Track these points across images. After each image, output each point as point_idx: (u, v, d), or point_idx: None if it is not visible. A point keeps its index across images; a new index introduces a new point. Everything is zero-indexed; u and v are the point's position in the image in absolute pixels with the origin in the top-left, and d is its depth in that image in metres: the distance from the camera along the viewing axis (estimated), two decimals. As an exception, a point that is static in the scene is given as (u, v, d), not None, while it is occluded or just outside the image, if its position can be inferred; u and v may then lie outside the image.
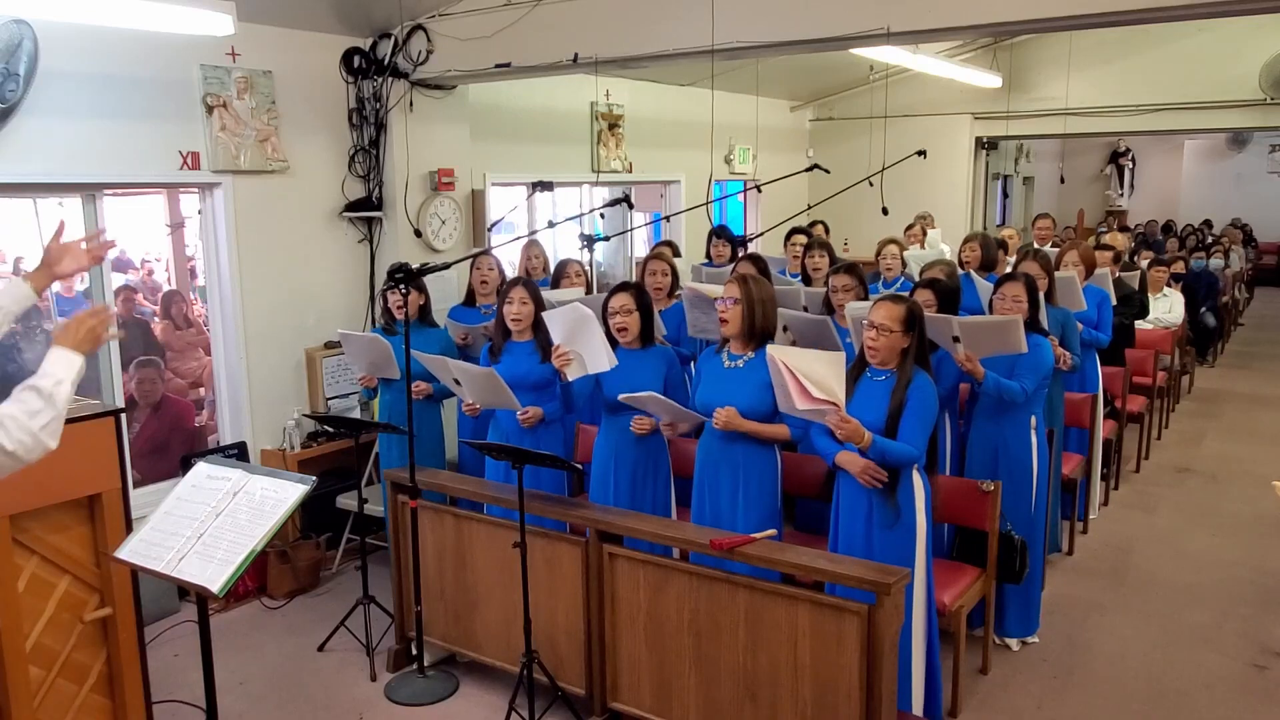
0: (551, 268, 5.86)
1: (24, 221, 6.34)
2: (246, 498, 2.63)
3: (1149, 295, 7.68)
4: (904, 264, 6.17)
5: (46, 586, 3.03)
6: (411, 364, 4.08)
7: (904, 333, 3.40)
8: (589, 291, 5.26)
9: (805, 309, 4.79)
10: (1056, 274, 5.08)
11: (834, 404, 3.18)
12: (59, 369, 2.27)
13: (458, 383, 4.06)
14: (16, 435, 2.14)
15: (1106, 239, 7.94)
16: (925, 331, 3.51)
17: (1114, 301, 5.87)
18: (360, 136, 5.70)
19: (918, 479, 3.44)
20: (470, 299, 5.22)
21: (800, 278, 5.91)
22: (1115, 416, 6.19)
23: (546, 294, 4.90)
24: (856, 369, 3.53)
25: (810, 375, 3.18)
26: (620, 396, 3.70)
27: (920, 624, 3.45)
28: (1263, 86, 9.04)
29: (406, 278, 4.04)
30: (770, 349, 3.31)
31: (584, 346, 3.76)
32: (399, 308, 4.46)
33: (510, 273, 5.55)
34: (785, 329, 4.49)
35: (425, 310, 4.73)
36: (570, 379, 3.84)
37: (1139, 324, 7.17)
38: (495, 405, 4.09)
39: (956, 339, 4.02)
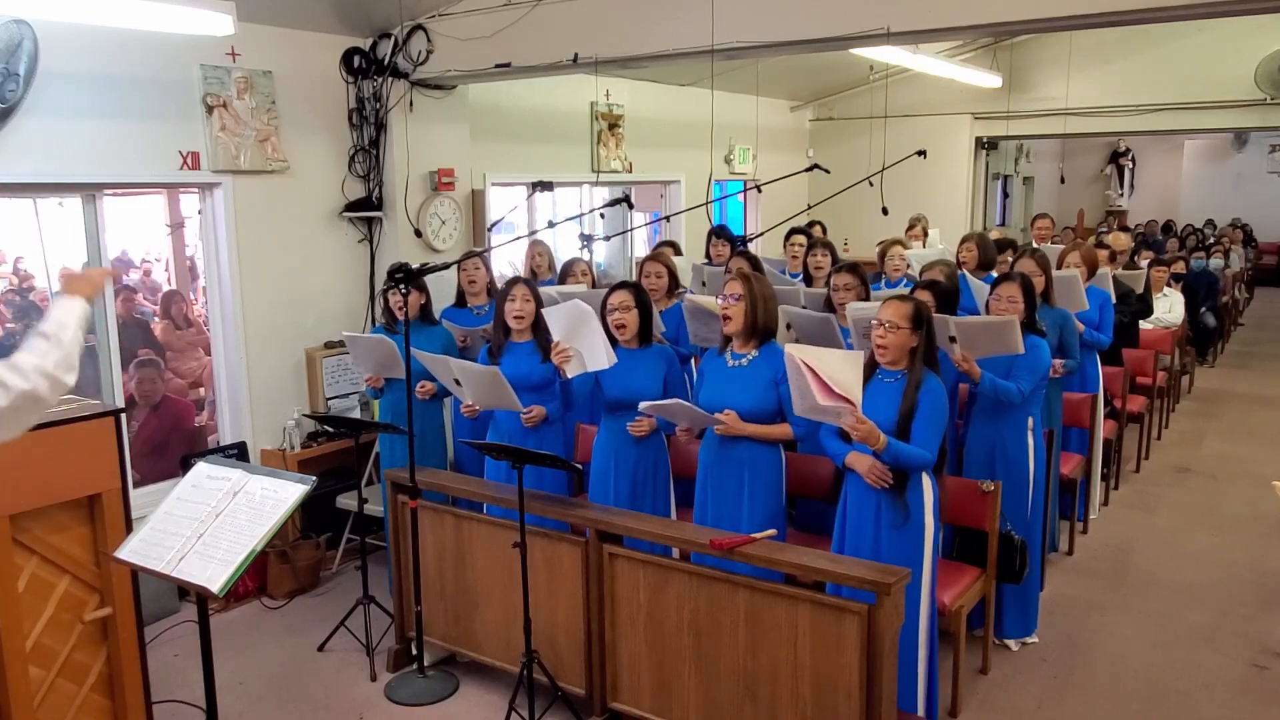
0: (555, 266, 5.87)
1: (24, 221, 6.34)
2: (246, 498, 2.63)
3: (1152, 295, 7.68)
4: (908, 264, 6.17)
5: (46, 586, 3.04)
6: (414, 363, 4.08)
7: (912, 330, 3.39)
8: (593, 288, 5.26)
9: (804, 309, 4.79)
10: (1059, 273, 5.07)
11: (851, 402, 3.18)
12: (60, 314, 2.34)
13: (458, 383, 4.06)
14: (33, 377, 2.21)
15: (1109, 239, 7.94)
16: (934, 331, 3.51)
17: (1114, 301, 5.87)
18: (360, 136, 5.70)
19: (926, 481, 3.44)
20: (461, 300, 5.20)
21: (801, 278, 5.91)
22: (1115, 416, 6.19)
23: (549, 289, 4.91)
24: (868, 370, 3.52)
25: (831, 374, 3.17)
26: (642, 405, 3.67)
27: (925, 625, 3.45)
28: (1259, 84, 9.03)
29: (406, 278, 4.04)
30: (789, 348, 3.29)
31: (584, 343, 3.76)
32: (399, 308, 4.46)
33: (509, 272, 5.55)
34: (789, 327, 4.49)
35: (426, 309, 4.73)
36: (570, 376, 3.84)
37: (1141, 324, 7.17)
38: (496, 406, 4.09)
39: (953, 339, 4.02)
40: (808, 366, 3.17)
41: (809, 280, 5.71)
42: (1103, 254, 6.50)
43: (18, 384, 2.19)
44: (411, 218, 5.85)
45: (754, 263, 4.94)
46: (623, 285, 4.07)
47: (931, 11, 4.21)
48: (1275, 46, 8.97)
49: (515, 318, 4.20)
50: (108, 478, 3.12)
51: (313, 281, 5.58)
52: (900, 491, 3.37)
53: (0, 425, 2.22)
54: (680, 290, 5.31)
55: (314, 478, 2.64)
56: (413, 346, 4.11)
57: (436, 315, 4.94)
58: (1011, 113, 9.95)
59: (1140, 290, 7.00)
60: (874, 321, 3.47)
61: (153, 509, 2.75)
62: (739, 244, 6.45)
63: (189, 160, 4.91)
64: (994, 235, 7.57)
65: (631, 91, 8.08)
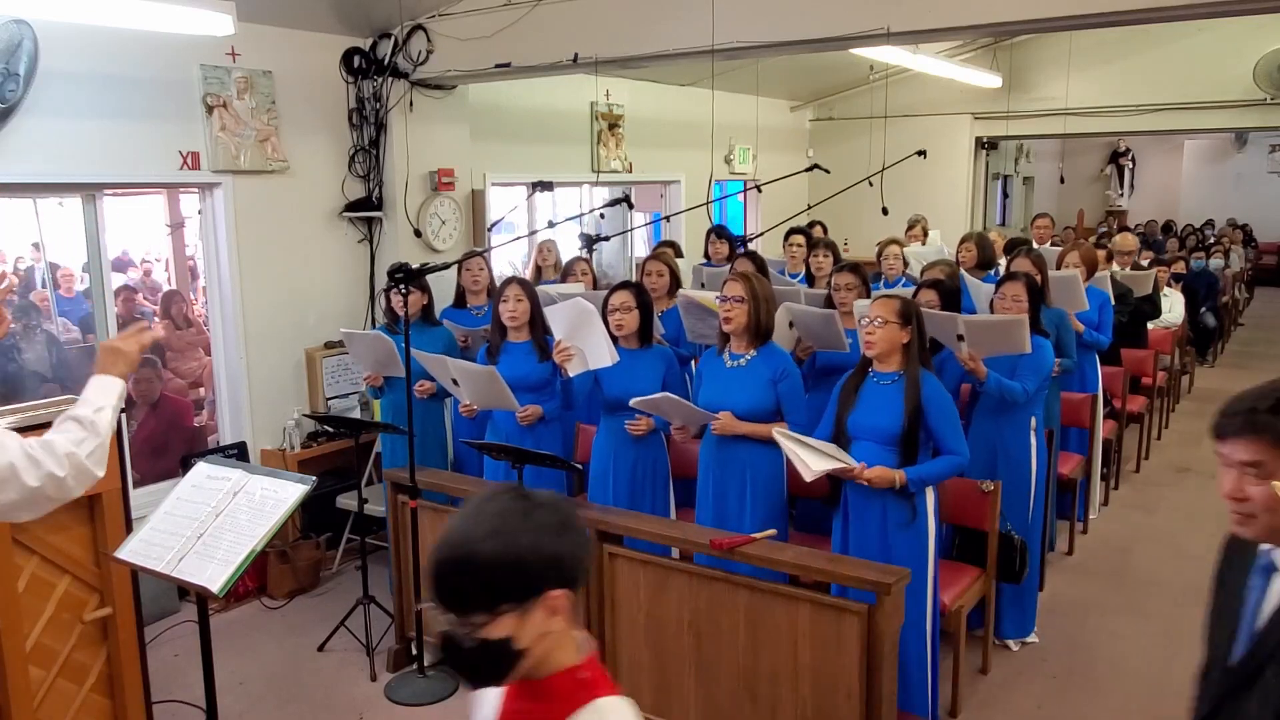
0: (561, 265, 5.87)
1: (24, 221, 6.35)
2: (246, 498, 2.63)
3: (1159, 295, 7.63)
4: (905, 264, 6.16)
5: (46, 586, 3.04)
6: (414, 363, 4.08)
7: (901, 325, 3.38)
8: (594, 288, 5.26)
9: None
10: (1061, 273, 5.06)
11: (845, 466, 3.27)
12: (97, 396, 2.26)
13: (456, 383, 4.06)
14: (65, 464, 2.12)
15: (1117, 240, 7.91)
16: (924, 329, 3.50)
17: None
18: (360, 136, 5.70)
19: (929, 482, 3.45)
20: (460, 300, 5.20)
21: (802, 278, 5.91)
22: (1115, 416, 6.19)
23: (547, 288, 4.91)
24: (860, 373, 3.52)
25: (816, 450, 3.27)
26: (632, 401, 3.67)
27: (930, 625, 3.45)
28: (1258, 83, 9.01)
29: (406, 278, 4.04)
30: (777, 433, 3.34)
31: (586, 342, 3.76)
32: (400, 308, 4.47)
33: (509, 272, 5.55)
34: (791, 325, 4.49)
35: (428, 310, 4.72)
36: (571, 374, 3.84)
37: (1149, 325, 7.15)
38: (494, 406, 4.08)
39: (961, 337, 4.02)
40: (797, 441, 3.27)
41: (811, 281, 5.71)
42: (1100, 253, 6.47)
43: (50, 467, 2.09)
44: (411, 218, 5.85)
45: (759, 264, 4.94)
46: (624, 285, 4.07)
47: (931, 11, 4.21)
48: (1275, 45, 8.96)
49: (510, 318, 4.20)
50: (108, 478, 3.10)
51: (313, 281, 5.57)
52: (906, 490, 3.37)
53: (21, 507, 2.12)
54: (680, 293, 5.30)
55: (314, 478, 2.64)
56: (415, 347, 4.11)
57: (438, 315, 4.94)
58: (1011, 113, 9.94)
59: (1149, 292, 6.96)
60: (863, 319, 3.48)
61: (153, 509, 2.75)
62: (738, 244, 6.46)
63: (189, 160, 4.91)
64: (997, 235, 7.55)
65: (631, 91, 8.08)
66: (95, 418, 2.20)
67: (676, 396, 3.63)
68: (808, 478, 3.24)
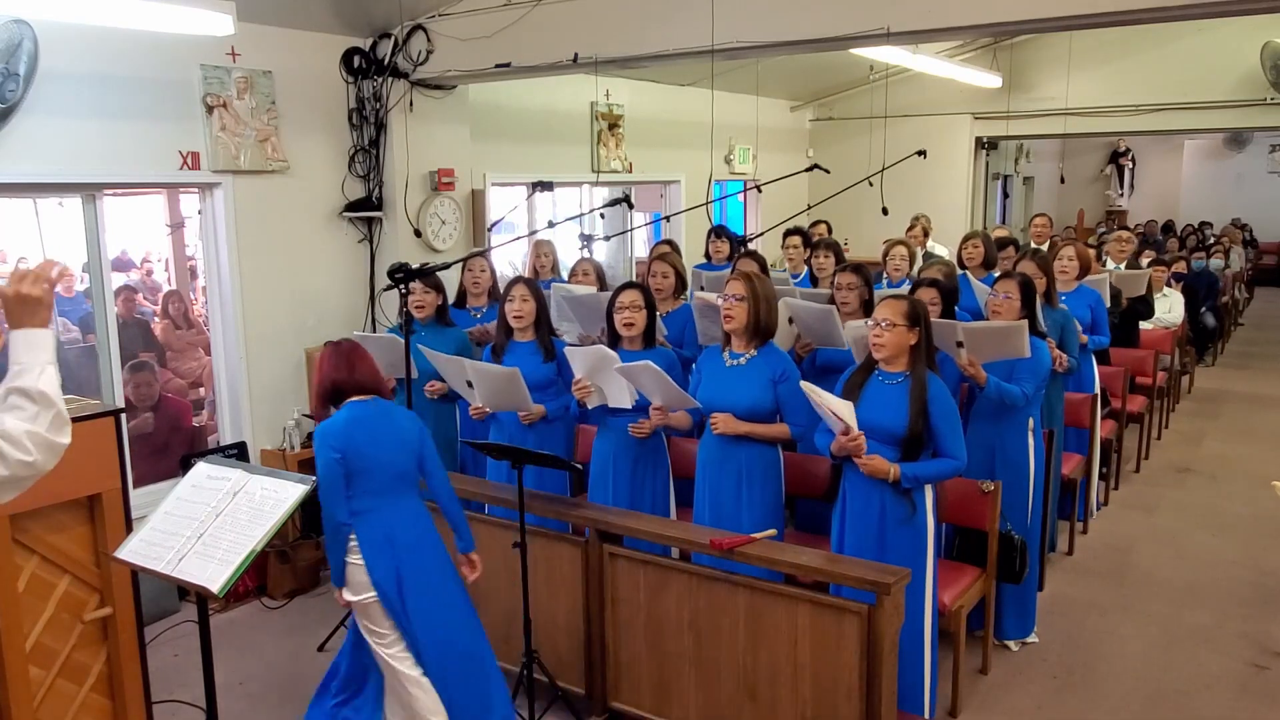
0: (559, 266, 5.86)
1: (24, 221, 6.35)
2: (246, 498, 2.63)
3: (1153, 295, 7.63)
4: (911, 265, 6.15)
5: (46, 586, 3.04)
6: (426, 363, 4.09)
7: (909, 327, 3.38)
8: (601, 288, 5.25)
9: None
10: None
11: (852, 427, 3.30)
12: (29, 356, 2.02)
13: (470, 385, 4.05)
14: (30, 447, 1.98)
15: (1111, 240, 7.87)
16: (931, 329, 3.50)
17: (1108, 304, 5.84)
18: (360, 136, 5.70)
19: (928, 480, 3.45)
20: (461, 301, 5.19)
21: (804, 278, 5.90)
22: (1115, 416, 6.18)
23: (559, 286, 4.92)
24: (864, 371, 3.51)
25: (831, 406, 3.32)
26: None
27: (929, 623, 3.45)
28: (1265, 67, 8.97)
29: (406, 278, 4.04)
30: (801, 383, 3.41)
31: (605, 384, 3.78)
32: (419, 307, 4.49)
33: (511, 272, 5.55)
34: (791, 321, 4.48)
35: (443, 310, 4.70)
36: (590, 407, 3.89)
37: (1141, 324, 7.15)
38: (508, 408, 4.08)
39: (960, 344, 4.02)
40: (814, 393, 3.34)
41: (814, 281, 5.70)
42: (1091, 251, 6.43)
43: (15, 455, 1.96)
44: (411, 218, 5.85)
45: (762, 264, 4.94)
46: (631, 285, 4.08)
47: (931, 11, 4.21)
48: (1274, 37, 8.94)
49: (515, 317, 4.21)
50: (108, 478, 3.12)
51: (313, 281, 5.57)
52: (908, 491, 3.37)
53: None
54: (685, 296, 5.29)
55: (314, 478, 2.64)
56: (430, 347, 4.13)
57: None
58: (1011, 113, 9.95)
59: (1142, 292, 6.96)
60: (870, 320, 3.47)
61: (153, 509, 2.76)
62: (739, 243, 6.45)
63: (189, 160, 4.91)
64: (996, 234, 7.55)
65: (631, 91, 8.08)
66: (41, 386, 1.99)
67: (658, 368, 3.61)
68: (832, 424, 3.33)
